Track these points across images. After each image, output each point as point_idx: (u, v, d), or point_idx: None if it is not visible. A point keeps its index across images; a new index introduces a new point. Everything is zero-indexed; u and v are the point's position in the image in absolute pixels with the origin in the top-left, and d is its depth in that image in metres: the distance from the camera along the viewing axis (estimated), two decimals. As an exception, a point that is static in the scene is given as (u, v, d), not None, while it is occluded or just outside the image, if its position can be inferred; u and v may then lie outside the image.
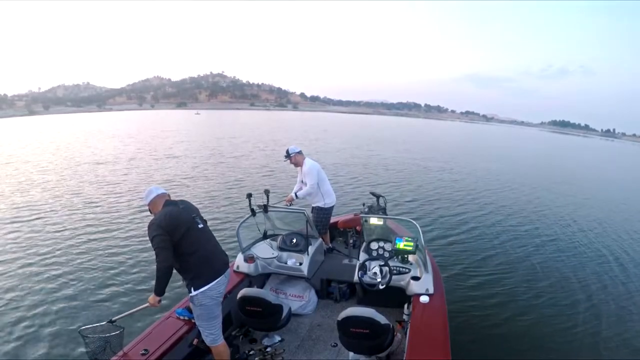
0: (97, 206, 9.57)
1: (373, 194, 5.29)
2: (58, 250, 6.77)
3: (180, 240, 2.65)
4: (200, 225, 2.83)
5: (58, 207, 9.41)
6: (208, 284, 2.74)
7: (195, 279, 2.73)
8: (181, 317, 3.08)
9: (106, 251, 6.75)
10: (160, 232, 2.56)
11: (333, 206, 4.95)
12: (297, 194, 4.75)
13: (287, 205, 4.65)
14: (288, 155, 4.78)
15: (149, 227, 2.63)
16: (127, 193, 10.96)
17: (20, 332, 4.46)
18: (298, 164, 4.81)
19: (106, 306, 5.03)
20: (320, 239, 4.48)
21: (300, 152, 4.79)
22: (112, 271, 6.00)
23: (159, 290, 2.61)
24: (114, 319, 2.81)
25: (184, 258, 2.70)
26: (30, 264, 6.19)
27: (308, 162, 4.74)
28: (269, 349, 3.44)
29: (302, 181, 4.86)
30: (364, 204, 5.26)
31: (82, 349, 2.75)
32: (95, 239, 7.30)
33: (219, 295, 2.83)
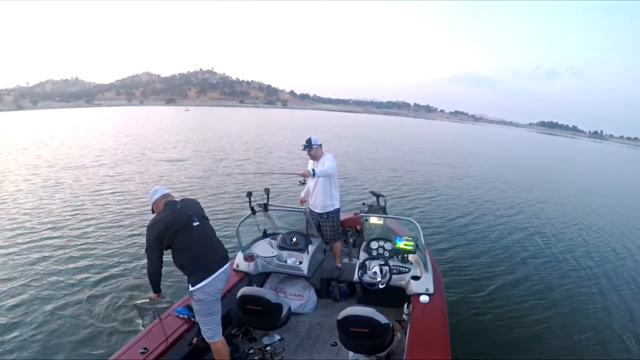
0: (86, 209, 9.33)
1: (373, 193, 5.30)
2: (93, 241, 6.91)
3: (175, 240, 2.75)
4: (196, 223, 2.86)
5: (61, 203, 9.30)
6: (204, 280, 2.77)
7: (193, 276, 2.78)
8: (181, 316, 3.06)
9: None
10: (152, 239, 2.73)
11: None
12: (315, 169, 4.08)
13: (301, 183, 4.31)
14: (309, 146, 4.20)
15: (147, 229, 2.79)
16: (131, 193, 10.76)
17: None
18: (317, 157, 4.28)
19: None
20: (320, 239, 4.43)
21: (321, 146, 4.35)
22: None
23: (154, 290, 2.96)
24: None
25: (180, 255, 2.79)
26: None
27: (329, 154, 4.37)
28: (268, 348, 3.43)
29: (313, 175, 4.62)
30: (364, 203, 5.26)
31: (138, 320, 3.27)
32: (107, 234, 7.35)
33: (216, 291, 2.85)
